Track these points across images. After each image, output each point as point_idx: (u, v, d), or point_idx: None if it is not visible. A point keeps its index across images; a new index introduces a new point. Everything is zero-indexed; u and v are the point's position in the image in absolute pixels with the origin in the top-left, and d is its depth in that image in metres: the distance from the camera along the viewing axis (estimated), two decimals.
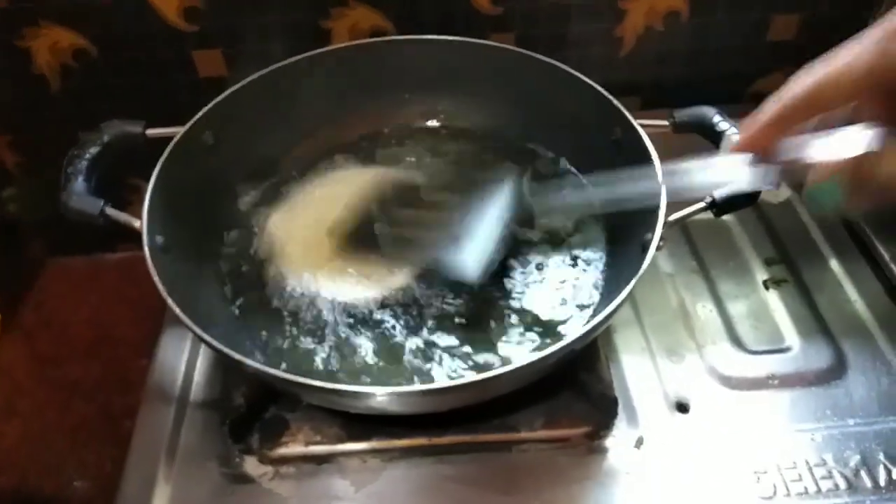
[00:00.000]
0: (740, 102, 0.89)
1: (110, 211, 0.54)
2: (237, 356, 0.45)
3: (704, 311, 0.64)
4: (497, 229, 0.56)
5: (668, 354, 0.61)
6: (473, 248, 0.55)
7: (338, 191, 0.67)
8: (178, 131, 0.61)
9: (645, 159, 0.56)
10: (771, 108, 0.34)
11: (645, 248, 0.51)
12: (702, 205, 0.52)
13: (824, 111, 0.33)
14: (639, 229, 0.54)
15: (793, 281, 0.66)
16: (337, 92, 0.71)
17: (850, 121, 0.34)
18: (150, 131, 0.61)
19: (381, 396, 0.44)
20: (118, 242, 0.97)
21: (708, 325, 0.63)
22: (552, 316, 0.58)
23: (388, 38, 0.72)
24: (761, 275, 0.67)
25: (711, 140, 0.57)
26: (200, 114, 0.62)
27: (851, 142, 0.32)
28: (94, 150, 0.57)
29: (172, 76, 0.79)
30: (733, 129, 0.56)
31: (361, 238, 0.60)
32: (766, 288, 0.66)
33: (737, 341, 0.62)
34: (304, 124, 0.71)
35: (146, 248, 0.51)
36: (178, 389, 0.60)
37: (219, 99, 0.63)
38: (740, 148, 0.36)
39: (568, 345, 0.46)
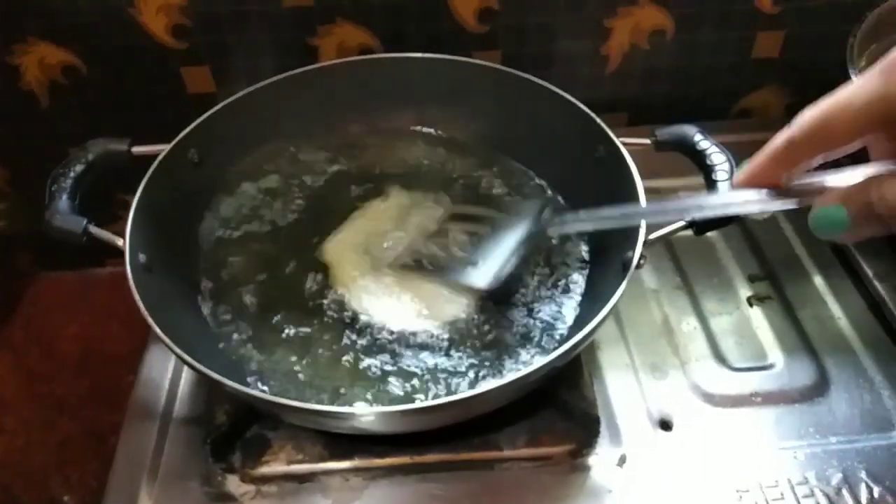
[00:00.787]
0: (727, 119, 0.90)
1: (94, 229, 0.54)
2: (216, 376, 0.45)
3: (688, 327, 0.65)
4: (512, 247, 0.57)
5: (652, 371, 0.61)
6: (489, 263, 0.57)
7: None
8: (164, 149, 0.61)
9: (627, 177, 0.57)
10: (776, 143, 0.34)
11: (626, 266, 0.52)
12: (682, 223, 0.52)
13: (830, 145, 0.33)
14: (620, 247, 0.55)
15: (776, 297, 0.67)
16: (323, 109, 0.71)
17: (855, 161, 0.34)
18: (136, 149, 0.61)
19: (361, 416, 0.44)
20: (106, 257, 0.97)
21: (692, 341, 0.63)
22: (533, 332, 0.58)
23: (374, 55, 0.73)
24: (745, 291, 0.67)
25: (692, 159, 0.57)
26: (185, 132, 0.63)
27: (858, 177, 0.32)
28: (78, 168, 0.57)
29: (161, 92, 0.80)
30: (714, 149, 0.56)
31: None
32: (750, 304, 0.66)
33: (720, 358, 0.62)
34: (290, 140, 0.71)
35: (128, 268, 0.52)
36: (161, 406, 0.60)
37: (204, 117, 0.64)
38: (745, 182, 0.36)
39: (549, 362, 0.47)
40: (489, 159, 0.72)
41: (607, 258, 0.58)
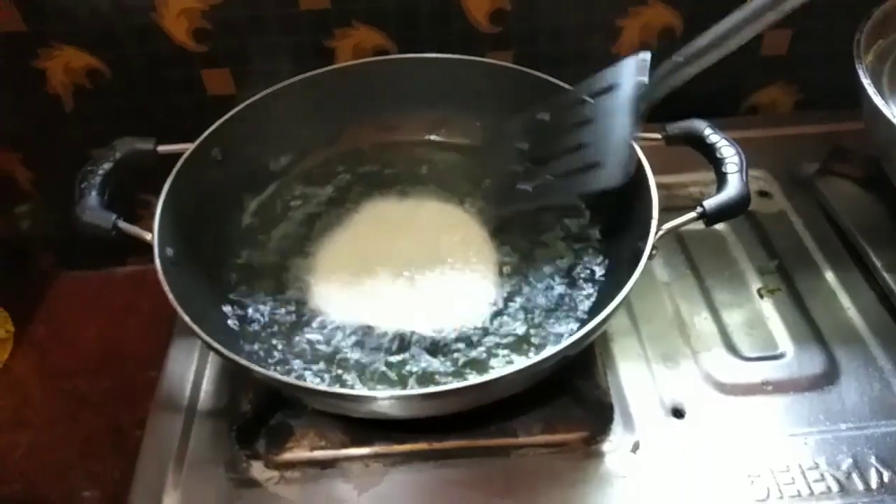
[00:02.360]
0: (736, 115, 0.91)
1: (122, 224, 0.56)
2: (245, 362, 0.46)
3: (700, 318, 0.66)
4: (627, 129, 0.53)
5: (664, 361, 0.62)
6: (612, 160, 0.53)
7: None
8: (188, 148, 0.63)
9: (639, 171, 0.58)
10: None
11: (637, 257, 0.53)
12: (693, 215, 0.53)
13: None
14: (632, 238, 0.56)
15: (786, 289, 0.68)
16: (340, 108, 0.73)
17: None
18: (161, 148, 0.63)
19: (382, 400, 0.46)
20: (128, 256, 0.99)
21: (703, 332, 0.65)
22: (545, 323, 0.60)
23: (390, 56, 0.75)
24: (755, 283, 0.68)
25: (703, 152, 0.59)
26: (209, 131, 0.65)
27: None
28: (106, 165, 0.59)
29: (182, 94, 0.82)
30: (724, 142, 0.58)
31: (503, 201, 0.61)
32: (761, 296, 0.67)
33: (731, 348, 0.63)
34: (309, 139, 0.73)
35: (157, 260, 0.54)
36: (186, 399, 0.62)
37: (227, 116, 0.66)
38: None
39: (562, 350, 0.48)
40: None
41: (620, 248, 0.60)
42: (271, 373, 0.46)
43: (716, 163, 0.57)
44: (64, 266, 1.01)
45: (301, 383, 0.46)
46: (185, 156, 0.62)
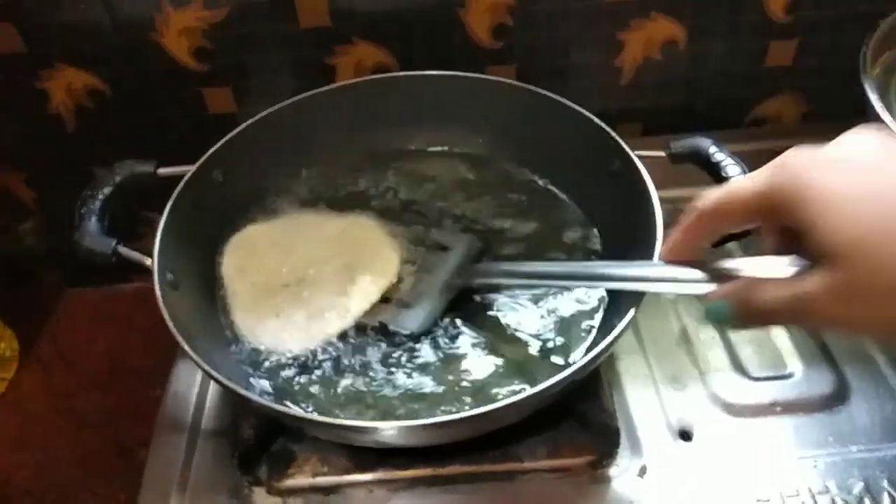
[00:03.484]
0: (741, 127, 0.90)
1: (122, 250, 0.56)
2: (243, 392, 0.46)
3: (707, 338, 0.65)
4: (440, 292, 0.60)
5: (671, 382, 0.61)
6: (417, 311, 0.59)
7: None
8: (188, 170, 0.63)
9: (642, 190, 0.57)
10: (689, 216, 0.39)
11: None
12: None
13: (728, 223, 0.38)
14: (636, 259, 0.55)
15: None
16: (342, 127, 0.73)
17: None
18: (162, 170, 0.63)
19: (383, 431, 0.45)
20: (133, 273, 0.98)
21: (710, 352, 0.64)
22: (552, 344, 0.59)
23: (391, 74, 0.74)
24: None
25: (707, 171, 0.58)
26: (209, 153, 0.64)
27: (764, 265, 0.36)
28: (106, 190, 0.59)
29: (183, 113, 0.82)
30: (729, 160, 0.57)
31: None
32: None
33: (739, 368, 0.62)
34: (310, 159, 0.73)
35: (157, 286, 0.53)
36: (189, 419, 0.62)
37: (227, 138, 0.66)
38: (669, 254, 0.41)
39: (568, 376, 0.47)
40: (506, 173, 0.73)
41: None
42: (267, 403, 0.46)
43: (721, 182, 0.56)
44: (69, 283, 1.01)
45: (298, 413, 0.45)
46: (184, 179, 0.62)
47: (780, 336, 0.65)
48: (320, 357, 0.58)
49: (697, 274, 0.40)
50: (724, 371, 0.62)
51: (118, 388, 0.93)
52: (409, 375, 0.56)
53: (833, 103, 0.86)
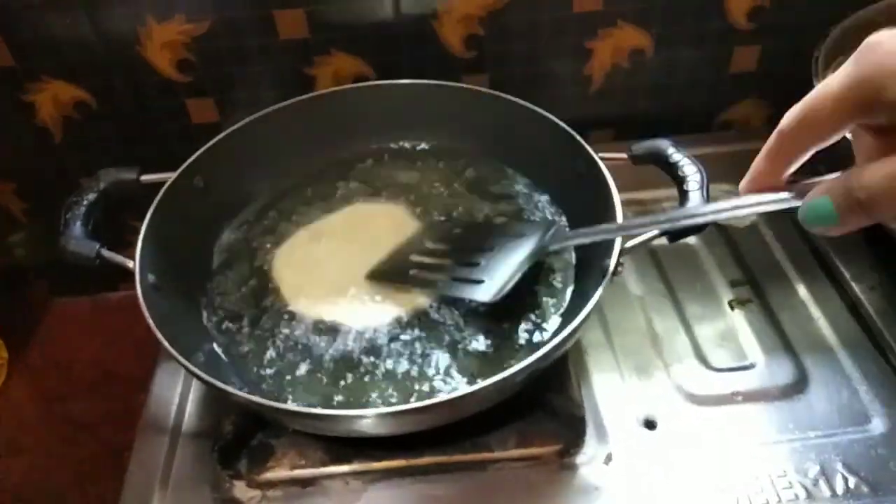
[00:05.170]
0: (709, 132, 0.93)
1: (106, 253, 0.58)
2: (220, 385, 0.48)
3: (672, 331, 0.67)
4: (517, 267, 0.59)
5: (637, 374, 0.64)
6: (494, 280, 0.59)
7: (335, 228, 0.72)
8: (170, 177, 0.65)
9: (605, 190, 0.60)
10: (769, 141, 0.36)
11: (604, 274, 0.55)
12: (655, 232, 0.55)
13: (817, 135, 0.34)
14: (601, 256, 0.58)
15: (757, 301, 0.69)
16: (320, 134, 0.76)
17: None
18: (145, 177, 0.65)
19: (355, 418, 0.48)
20: (120, 282, 1.01)
21: (675, 344, 0.66)
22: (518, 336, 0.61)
23: (367, 83, 0.77)
24: (727, 295, 0.70)
25: (666, 171, 0.61)
26: (190, 160, 0.67)
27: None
28: (91, 196, 0.61)
29: (168, 124, 0.84)
30: (686, 161, 0.59)
31: (396, 275, 0.64)
32: (732, 308, 0.69)
33: (703, 360, 0.65)
34: (290, 166, 0.75)
35: (138, 287, 0.55)
36: (171, 420, 0.64)
37: (208, 145, 0.68)
38: (750, 186, 0.37)
39: (532, 363, 0.49)
40: (485, 172, 0.76)
41: (591, 267, 0.61)
42: (245, 395, 0.48)
43: (678, 181, 0.59)
44: (57, 293, 1.03)
45: (277, 405, 0.47)
46: (166, 185, 0.64)
47: (741, 329, 0.67)
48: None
49: (784, 194, 0.36)
50: (688, 362, 0.65)
51: (107, 392, 0.95)
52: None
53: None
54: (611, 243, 0.55)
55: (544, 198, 0.72)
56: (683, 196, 0.58)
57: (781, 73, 0.87)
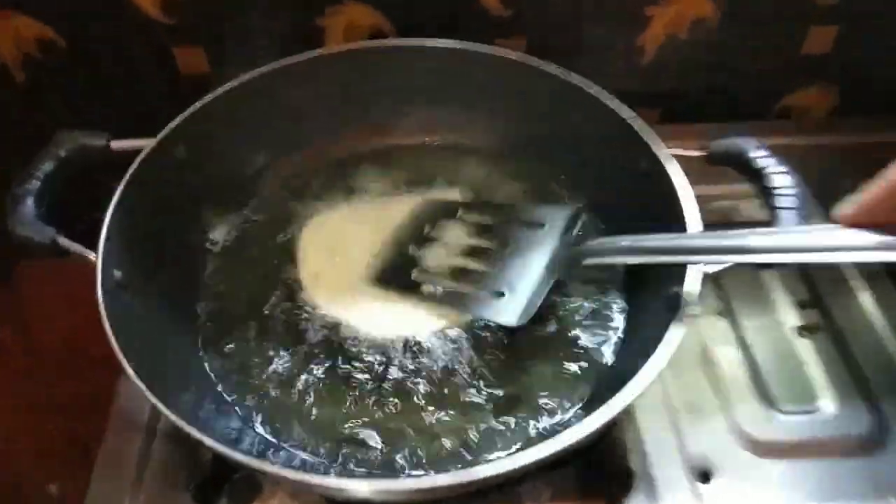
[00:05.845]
0: (764, 118, 0.82)
1: (63, 241, 0.47)
2: (196, 434, 0.38)
3: (729, 359, 0.58)
4: (542, 273, 0.51)
5: (690, 412, 0.55)
6: (516, 298, 0.51)
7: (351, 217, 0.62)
8: (147, 144, 0.54)
9: (675, 200, 0.50)
10: (887, 171, 0.29)
11: (672, 306, 0.45)
12: (733, 263, 0.44)
13: None
14: (663, 279, 0.48)
15: (827, 328, 0.60)
16: (329, 100, 0.64)
17: None
18: (116, 144, 0.54)
19: (363, 490, 0.38)
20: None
21: (733, 376, 0.57)
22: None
23: (383, 42, 0.65)
24: (793, 319, 0.61)
25: (749, 177, 0.50)
26: (172, 125, 0.55)
27: None
28: (47, 167, 0.50)
29: (149, 74, 0.72)
30: (777, 168, 0.49)
31: (397, 279, 0.56)
32: (799, 335, 0.60)
33: (765, 397, 0.56)
34: (291, 137, 0.64)
35: (98, 287, 0.45)
36: (146, 414, 0.55)
37: (194, 108, 0.57)
38: (856, 218, 0.31)
39: (568, 445, 0.40)
40: (512, 164, 0.65)
41: (647, 288, 0.51)
42: (224, 448, 0.38)
43: (765, 192, 0.48)
44: (24, 254, 0.92)
45: (260, 465, 0.38)
46: (141, 155, 0.53)
47: (810, 363, 0.58)
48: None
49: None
50: (747, 400, 0.56)
51: (78, 373, 0.85)
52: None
53: (866, 98, 0.79)
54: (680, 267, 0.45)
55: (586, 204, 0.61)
56: (772, 213, 0.47)
57: (856, 59, 0.76)
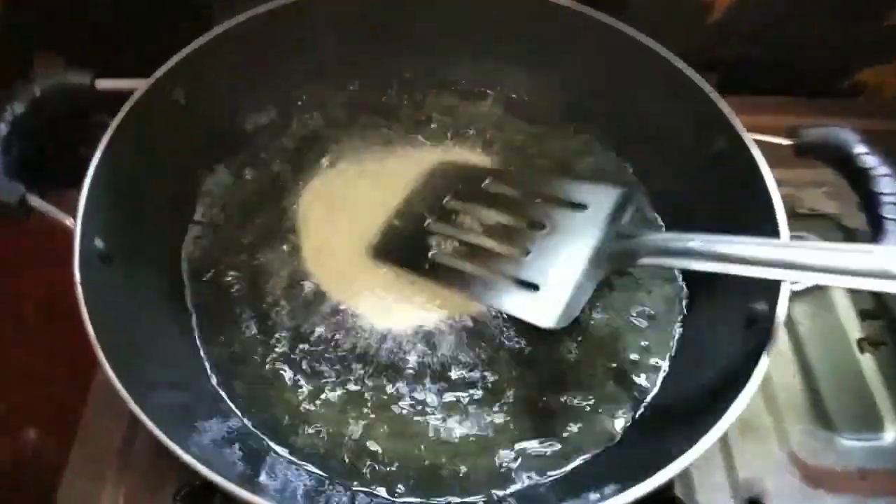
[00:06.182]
0: (830, 95, 0.74)
1: (34, 200, 0.40)
2: (174, 448, 0.32)
3: (786, 375, 0.52)
4: (586, 266, 0.43)
5: (742, 431, 0.49)
6: (553, 293, 0.42)
7: (368, 179, 0.53)
8: (140, 85, 0.45)
9: (756, 190, 0.43)
10: None
11: (751, 322, 0.38)
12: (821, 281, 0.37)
13: None
14: (743, 290, 0.41)
15: (893, 343, 0.54)
16: (349, 41, 0.55)
17: None
18: (102, 83, 0.45)
19: None
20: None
21: (790, 394, 0.51)
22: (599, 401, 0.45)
23: None
24: (855, 332, 0.54)
25: (846, 177, 0.43)
26: (170, 64, 0.47)
27: None
28: (18, 109, 0.42)
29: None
30: (882, 169, 0.41)
31: (408, 256, 0.48)
32: (861, 350, 0.53)
33: (824, 420, 0.50)
34: (305, 82, 0.56)
35: (76, 258, 0.38)
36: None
37: (195, 45, 0.48)
38: None
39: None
40: (561, 131, 0.57)
41: (717, 298, 0.45)
42: (207, 471, 0.32)
43: (866, 197, 0.41)
44: None
45: (247, 496, 0.32)
46: (133, 98, 0.44)
47: (873, 381, 0.52)
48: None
49: None
50: (805, 421, 0.50)
51: (58, 334, 0.79)
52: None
53: None
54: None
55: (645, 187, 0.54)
56: (876, 225, 0.40)
57: None
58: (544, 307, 0.42)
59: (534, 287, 0.43)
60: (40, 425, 0.73)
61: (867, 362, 0.53)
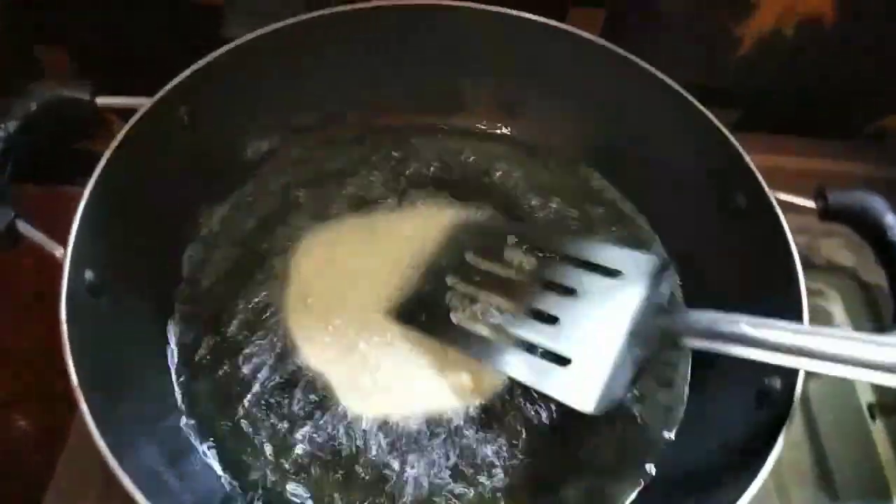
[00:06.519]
0: (851, 139, 0.71)
1: (23, 227, 0.38)
2: None
3: (792, 435, 0.50)
4: (625, 341, 0.39)
5: None
6: (588, 370, 0.39)
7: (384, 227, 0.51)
8: (141, 104, 0.43)
9: (776, 251, 0.41)
10: None
11: (762, 401, 0.36)
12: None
13: None
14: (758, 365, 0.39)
15: None
16: (363, 66, 0.53)
17: None
18: (102, 100, 0.43)
19: None
20: (78, 174, 0.80)
21: (794, 457, 0.49)
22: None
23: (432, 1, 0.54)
24: (866, 395, 0.53)
25: (875, 249, 0.41)
26: (175, 81, 0.45)
27: None
28: (10, 125, 0.40)
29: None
30: None
31: (430, 320, 0.44)
32: (872, 416, 0.52)
33: (828, 488, 0.49)
34: (318, 107, 0.54)
35: (63, 291, 0.36)
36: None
37: (202, 62, 0.46)
38: None
39: None
40: (571, 177, 0.55)
41: (724, 369, 0.43)
42: None
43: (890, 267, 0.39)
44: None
45: None
46: (136, 117, 0.43)
47: (885, 454, 0.50)
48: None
49: None
50: (807, 486, 0.48)
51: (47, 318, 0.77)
52: None
53: None
54: None
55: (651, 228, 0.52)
56: None
57: None
58: (580, 386, 0.38)
59: (563, 360, 0.40)
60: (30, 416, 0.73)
61: (879, 432, 0.51)
